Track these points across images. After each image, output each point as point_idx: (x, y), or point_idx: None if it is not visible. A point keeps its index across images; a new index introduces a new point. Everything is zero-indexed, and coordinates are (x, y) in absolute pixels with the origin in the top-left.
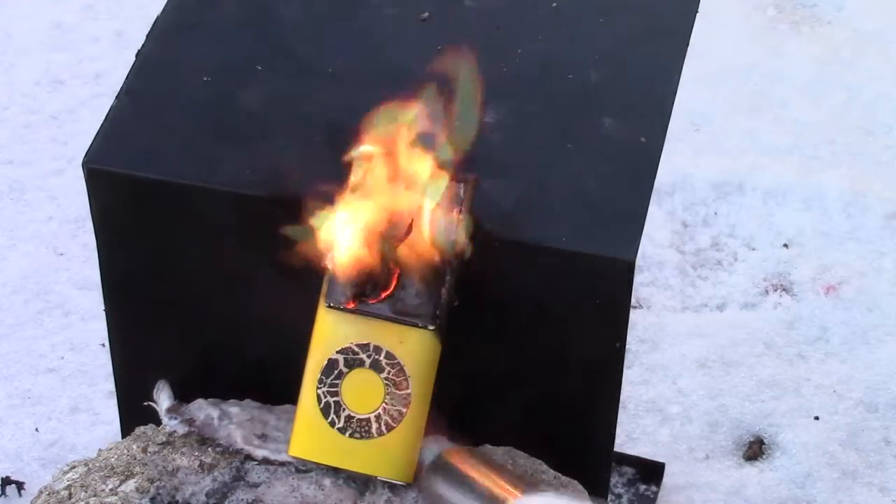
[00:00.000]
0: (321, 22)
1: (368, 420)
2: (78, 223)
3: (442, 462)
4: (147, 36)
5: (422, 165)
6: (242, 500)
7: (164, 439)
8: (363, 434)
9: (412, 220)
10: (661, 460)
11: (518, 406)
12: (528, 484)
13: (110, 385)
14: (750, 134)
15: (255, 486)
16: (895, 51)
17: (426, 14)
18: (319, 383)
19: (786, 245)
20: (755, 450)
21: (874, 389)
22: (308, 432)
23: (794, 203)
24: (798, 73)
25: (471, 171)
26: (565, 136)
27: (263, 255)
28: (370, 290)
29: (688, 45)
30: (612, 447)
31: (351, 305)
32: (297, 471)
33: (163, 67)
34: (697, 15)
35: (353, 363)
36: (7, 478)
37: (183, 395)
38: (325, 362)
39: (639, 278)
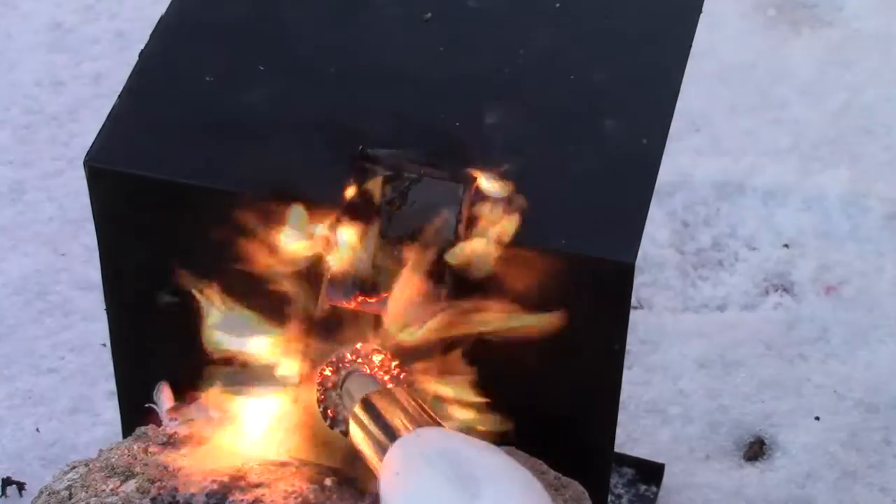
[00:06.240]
0: (323, 22)
1: None
2: (78, 223)
3: (363, 403)
4: (150, 36)
5: None
6: (242, 500)
7: (165, 440)
8: None
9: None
10: (661, 461)
11: (519, 406)
12: (427, 420)
13: (111, 385)
14: (750, 134)
15: (256, 486)
16: (895, 51)
17: (429, 14)
18: (319, 383)
19: (786, 245)
20: (756, 450)
21: (874, 390)
22: (308, 433)
23: (794, 203)
24: (798, 73)
25: (470, 171)
26: (566, 137)
27: (263, 255)
28: (370, 291)
29: (690, 46)
30: (613, 448)
31: (350, 305)
32: (298, 471)
33: (165, 67)
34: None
35: (352, 364)
36: (8, 478)
37: (183, 396)
38: (325, 363)
39: (639, 279)
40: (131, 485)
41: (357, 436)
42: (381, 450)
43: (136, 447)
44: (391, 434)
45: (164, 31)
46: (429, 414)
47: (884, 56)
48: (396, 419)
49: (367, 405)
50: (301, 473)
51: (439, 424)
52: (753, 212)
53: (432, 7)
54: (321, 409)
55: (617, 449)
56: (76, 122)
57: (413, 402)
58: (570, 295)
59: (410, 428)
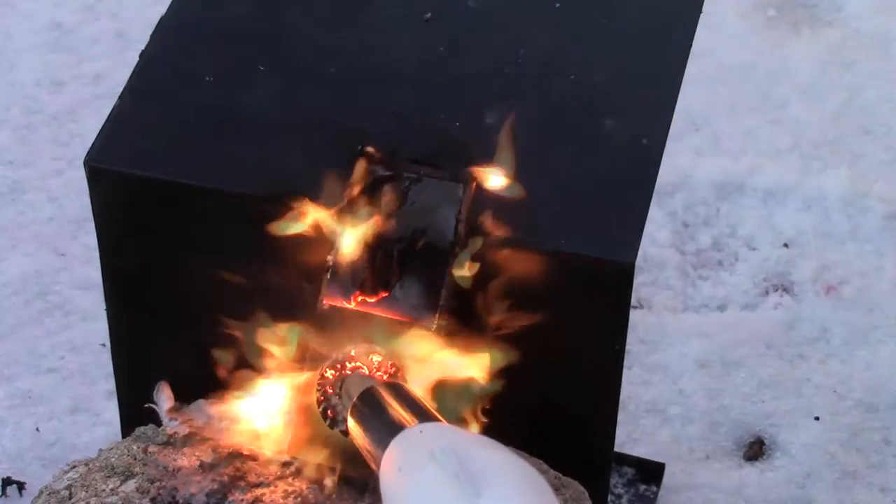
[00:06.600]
0: (323, 22)
1: None
2: (78, 224)
3: (363, 397)
4: (151, 36)
5: None
6: (242, 500)
7: (165, 440)
8: None
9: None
10: (661, 460)
11: (519, 406)
12: (428, 416)
13: (110, 385)
14: (750, 134)
15: (256, 486)
16: (895, 51)
17: (429, 14)
18: (319, 384)
19: (786, 245)
20: (755, 450)
21: (874, 390)
22: (308, 433)
23: (794, 203)
24: (798, 73)
25: (470, 172)
26: (566, 137)
27: (263, 255)
28: (370, 291)
29: (690, 46)
30: (612, 448)
31: (351, 306)
32: (298, 471)
33: (165, 67)
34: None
35: (352, 364)
36: (8, 478)
37: (183, 396)
38: (325, 363)
39: (639, 278)
40: (131, 485)
41: (356, 430)
42: (382, 445)
43: (135, 447)
44: (392, 429)
45: (164, 31)
46: (430, 409)
47: (884, 56)
48: (397, 414)
49: (367, 399)
50: (301, 473)
51: (440, 420)
52: (753, 212)
53: (432, 7)
54: (321, 410)
55: (617, 449)
56: (76, 122)
57: (414, 397)
58: (571, 295)
59: (411, 423)
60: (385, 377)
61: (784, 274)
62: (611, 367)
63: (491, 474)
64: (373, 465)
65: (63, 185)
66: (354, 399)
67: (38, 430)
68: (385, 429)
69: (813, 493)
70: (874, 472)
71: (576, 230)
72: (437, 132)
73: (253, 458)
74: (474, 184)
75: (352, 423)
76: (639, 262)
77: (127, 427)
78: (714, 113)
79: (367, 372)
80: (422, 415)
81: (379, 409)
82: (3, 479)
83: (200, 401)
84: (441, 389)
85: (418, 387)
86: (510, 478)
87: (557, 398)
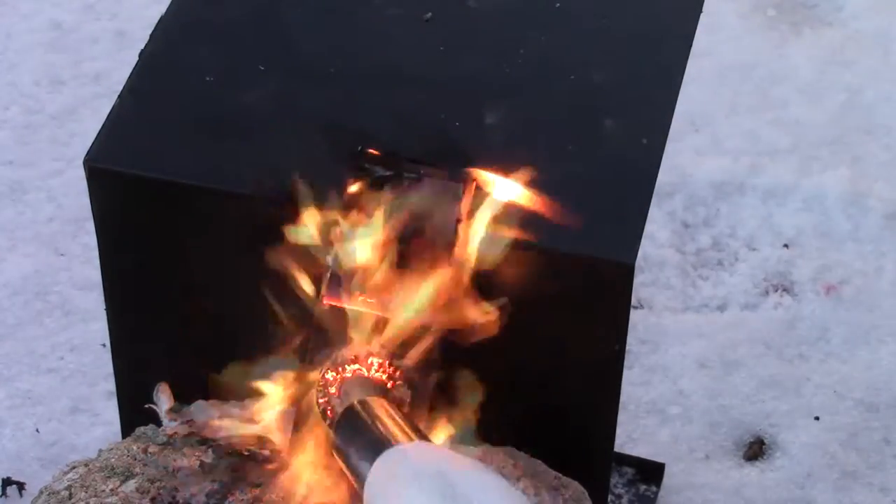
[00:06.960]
0: (323, 22)
1: None
2: (78, 224)
3: (347, 414)
4: (150, 36)
5: None
6: (242, 500)
7: (165, 440)
8: None
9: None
10: (661, 460)
11: (519, 407)
12: (413, 435)
13: (110, 385)
14: (750, 134)
15: (256, 486)
16: (895, 51)
17: (429, 14)
18: (320, 385)
19: (786, 245)
20: (755, 450)
21: (874, 389)
22: (308, 433)
23: (794, 203)
24: (798, 73)
25: (470, 171)
26: (566, 138)
27: (264, 255)
28: (370, 291)
29: (690, 46)
30: (612, 448)
31: (350, 305)
32: (297, 471)
33: (165, 67)
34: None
35: (352, 364)
36: (8, 478)
37: (183, 396)
38: (326, 364)
39: (639, 278)
40: (131, 485)
41: (339, 448)
42: (366, 463)
43: (135, 447)
44: (376, 447)
45: (164, 31)
46: (415, 427)
47: (884, 56)
48: (381, 431)
49: (350, 417)
50: (300, 474)
51: (426, 438)
52: (753, 212)
53: (432, 7)
54: (321, 410)
55: (617, 449)
56: (76, 122)
57: (398, 415)
58: (571, 295)
59: (396, 441)
60: (385, 378)
61: (784, 274)
62: (611, 367)
63: (478, 495)
64: (355, 484)
65: (63, 185)
66: (340, 412)
67: (37, 430)
68: (370, 447)
69: (813, 493)
70: (874, 472)
71: (576, 230)
72: (437, 132)
73: (253, 458)
74: (474, 184)
75: (335, 441)
76: (639, 262)
77: (127, 427)
78: (714, 113)
79: (366, 373)
80: (407, 433)
81: (363, 426)
82: (3, 479)
83: (200, 401)
84: (442, 388)
85: (419, 386)
86: (497, 499)
87: (557, 398)
